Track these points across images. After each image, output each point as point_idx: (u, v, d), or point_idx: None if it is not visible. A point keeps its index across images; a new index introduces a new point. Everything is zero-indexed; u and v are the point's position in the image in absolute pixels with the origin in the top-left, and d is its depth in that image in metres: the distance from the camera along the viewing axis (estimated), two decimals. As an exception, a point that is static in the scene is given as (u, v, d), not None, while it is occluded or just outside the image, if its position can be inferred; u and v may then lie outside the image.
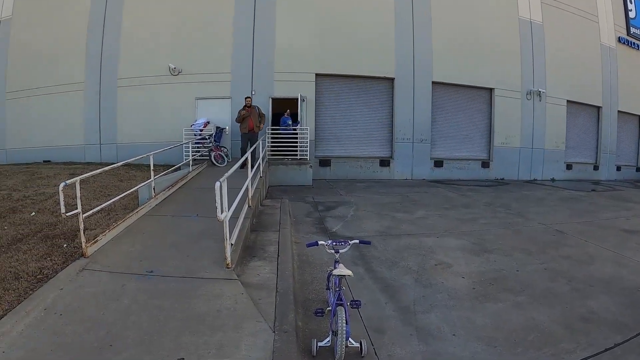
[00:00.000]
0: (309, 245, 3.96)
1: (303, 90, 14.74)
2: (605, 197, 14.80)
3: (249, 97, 12.50)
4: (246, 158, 7.52)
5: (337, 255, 3.82)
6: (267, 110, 14.62)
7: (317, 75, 15.11)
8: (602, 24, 22.87)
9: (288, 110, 14.64)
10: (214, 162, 12.47)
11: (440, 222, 8.60)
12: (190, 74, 14.85)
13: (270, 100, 14.87)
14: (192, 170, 11.10)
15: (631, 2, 24.82)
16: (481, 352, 3.63)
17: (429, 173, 16.39)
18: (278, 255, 5.48)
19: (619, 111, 23.93)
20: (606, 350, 3.70)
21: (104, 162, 14.02)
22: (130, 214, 6.53)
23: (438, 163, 16.66)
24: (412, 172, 16.11)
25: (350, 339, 3.40)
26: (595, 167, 22.82)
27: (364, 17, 15.47)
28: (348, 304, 3.61)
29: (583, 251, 6.90)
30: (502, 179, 17.92)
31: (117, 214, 7.02)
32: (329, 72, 15.27)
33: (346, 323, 3.28)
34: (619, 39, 23.85)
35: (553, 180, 19.42)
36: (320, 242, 3.88)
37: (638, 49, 25.13)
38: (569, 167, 21.07)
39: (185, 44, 14.91)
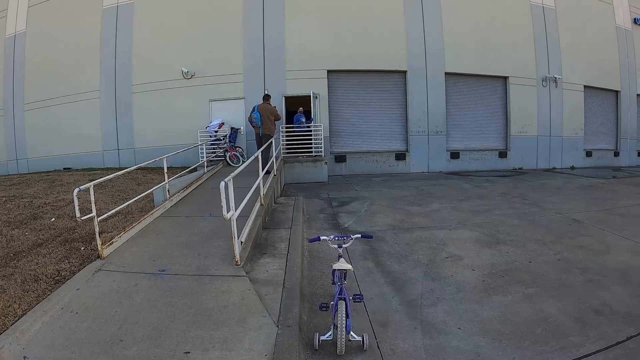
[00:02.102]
0: (311, 240, 4.02)
1: (315, 87, 14.83)
2: (626, 184, 14.51)
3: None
4: (256, 157, 7.61)
5: (340, 250, 3.90)
6: (281, 108, 14.72)
7: (328, 71, 15.16)
8: (616, 5, 22.26)
9: (301, 108, 14.80)
10: (229, 162, 12.68)
11: (453, 214, 8.56)
12: (203, 77, 15.09)
13: (283, 98, 14.98)
14: (208, 171, 11.32)
15: (647, -19, 24.22)
16: (485, 345, 3.60)
17: (445, 165, 16.33)
18: (288, 252, 5.56)
19: (638, 95, 23.40)
20: (618, 343, 3.61)
21: (122, 166, 14.28)
22: (145, 216, 6.72)
23: (454, 155, 16.58)
24: (429, 165, 16.09)
25: (352, 332, 3.48)
26: (616, 154, 22.32)
27: (373, 11, 15.42)
28: (351, 298, 3.70)
29: (600, 240, 6.76)
30: (520, 168, 17.75)
31: (133, 217, 7.22)
32: (341, 68, 15.30)
33: (347, 317, 3.37)
34: (635, 20, 23.25)
35: (572, 168, 19.13)
36: (322, 238, 3.93)
37: (656, 28, 24.54)
38: (588, 154, 20.67)
39: (196, 48, 15.13)
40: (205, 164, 11.53)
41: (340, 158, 15.22)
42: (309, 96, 14.56)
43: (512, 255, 5.93)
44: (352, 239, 3.92)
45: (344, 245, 3.91)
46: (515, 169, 17.64)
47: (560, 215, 8.57)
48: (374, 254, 6.04)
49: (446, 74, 16.33)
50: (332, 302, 3.64)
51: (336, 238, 3.93)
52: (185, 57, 15.08)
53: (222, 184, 4.53)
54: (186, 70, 14.95)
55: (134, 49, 15.44)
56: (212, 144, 13.64)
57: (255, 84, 14.85)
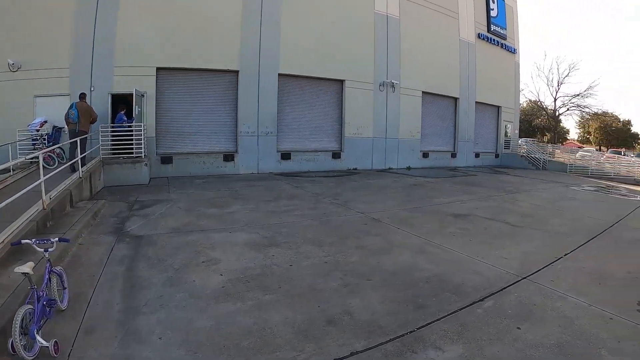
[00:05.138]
0: (13, 244, 4.15)
1: (144, 84, 14.58)
2: (452, 183, 16.44)
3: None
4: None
5: (46, 254, 3.96)
6: (107, 107, 14.32)
7: (158, 69, 14.98)
8: (462, 21, 25.20)
9: (124, 107, 14.21)
10: (45, 164, 12.40)
11: (249, 215, 8.90)
12: (30, 70, 14.05)
13: (110, 96, 14.50)
14: (15, 173, 10.88)
15: (494, 2, 27.73)
16: (176, 358, 3.55)
17: (276, 166, 16.95)
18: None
19: (476, 102, 26.56)
20: (334, 361, 3.56)
21: None
22: None
23: (285, 156, 17.26)
24: (259, 166, 16.59)
25: (39, 338, 3.44)
26: (453, 155, 25.10)
27: (211, 10, 15.61)
28: (45, 302, 3.70)
29: (387, 240, 7.26)
30: (355, 169, 19.08)
31: None
32: (171, 65, 15.22)
33: (36, 322, 3.44)
34: (479, 35, 26.50)
35: (409, 168, 21.11)
36: (24, 241, 4.02)
37: (497, 44, 28.14)
38: (425, 155, 22.98)
39: (24, 37, 14.07)
40: (11, 166, 10.70)
41: (166, 159, 15.05)
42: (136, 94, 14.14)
43: (277, 258, 6.07)
44: (52, 242, 4.01)
45: (50, 250, 3.99)
46: (350, 169, 18.92)
47: (362, 214, 9.27)
48: (132, 259, 6.07)
49: (280, 75, 17.01)
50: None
51: (37, 242, 4.00)
52: (12, 48, 13.96)
53: None
54: (12, 62, 13.83)
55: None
56: (33, 144, 12.92)
57: (82, 80, 14.22)
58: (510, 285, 5.51)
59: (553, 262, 6.66)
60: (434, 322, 4.30)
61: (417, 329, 4.12)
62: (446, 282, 5.48)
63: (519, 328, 4.23)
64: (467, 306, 4.74)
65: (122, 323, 4.14)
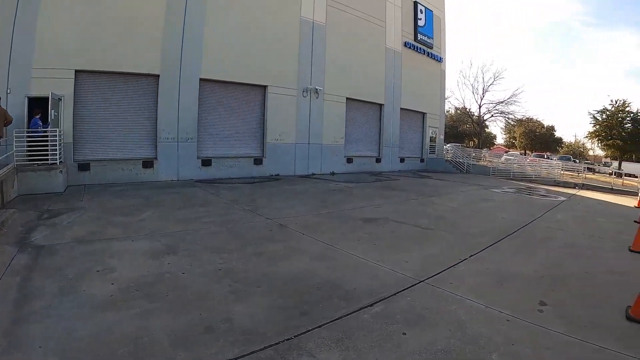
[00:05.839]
0: None
1: (63, 88, 14.34)
2: (373, 188, 17.21)
3: None
4: None
5: None
6: (24, 110, 13.88)
7: (77, 72, 14.71)
8: (389, 29, 26.47)
9: (39, 111, 13.86)
10: None
11: (156, 224, 8.96)
12: None
13: (27, 99, 14.02)
14: None
15: (421, 12, 29.32)
16: None
17: (197, 173, 17.08)
18: None
19: (402, 108, 27.90)
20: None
21: None
22: None
23: (206, 162, 17.46)
24: (179, 173, 16.63)
25: None
26: (378, 160, 26.26)
27: (133, 12, 15.51)
28: None
29: (289, 246, 7.35)
30: (277, 175, 19.62)
31: None
32: (91, 68, 14.99)
33: None
34: (405, 44, 27.88)
35: (333, 174, 21.99)
36: None
37: (423, 53, 29.67)
38: (349, 160, 23.93)
39: None
40: None
41: (83, 166, 14.79)
42: (55, 98, 13.91)
43: (172, 266, 6.08)
44: None
45: None
46: (272, 175, 19.44)
47: (271, 221, 9.50)
48: (30, 269, 6.05)
49: (202, 80, 17.20)
50: None
51: None
52: None
53: None
54: None
55: None
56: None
57: (-1, 82, 13.67)
58: (406, 289, 5.56)
59: (456, 264, 6.85)
60: (314, 329, 4.30)
61: (295, 336, 4.13)
62: (339, 287, 5.50)
63: (404, 334, 4.27)
64: (354, 312, 4.76)
65: (7, 333, 4.12)
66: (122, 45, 15.39)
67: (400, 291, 5.46)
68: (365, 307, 4.92)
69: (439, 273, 6.29)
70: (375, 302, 5.05)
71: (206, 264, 6.26)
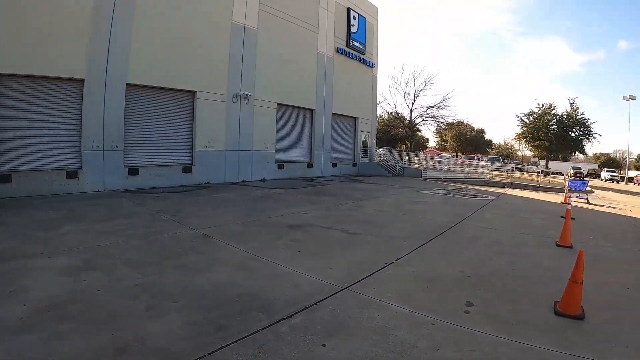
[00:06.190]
0: None
1: None
2: (302, 193, 17.52)
3: None
4: None
5: None
6: None
7: (0, 75, 14.00)
8: (321, 35, 27.08)
9: None
10: None
11: (77, 238, 8.63)
12: None
13: None
14: None
15: (354, 19, 30.19)
16: None
17: (123, 182, 16.67)
18: None
19: (333, 113, 28.60)
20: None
21: None
22: None
23: (133, 171, 17.10)
24: (105, 183, 16.17)
25: None
26: (310, 165, 26.84)
27: (57, 14, 14.97)
28: None
29: (210, 257, 7.25)
30: (207, 182, 19.63)
31: None
32: (12, 72, 14.30)
33: None
34: (338, 49, 28.61)
35: (264, 180, 22.23)
36: None
37: (355, 59, 30.56)
38: (280, 166, 24.30)
39: None
40: None
41: (4, 177, 14.01)
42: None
43: (88, 283, 5.83)
44: None
45: None
46: (202, 183, 19.43)
47: (194, 231, 9.39)
48: None
49: (129, 85, 16.82)
50: None
51: None
52: None
53: None
54: None
55: None
56: None
57: None
58: (328, 297, 5.50)
59: (382, 269, 6.83)
60: (229, 344, 4.18)
61: (209, 354, 4.02)
62: (258, 299, 5.37)
63: (324, 345, 4.21)
64: (272, 324, 4.64)
65: None
66: (45, 48, 14.84)
67: (322, 300, 5.41)
68: (285, 318, 4.82)
69: (364, 279, 6.29)
70: (296, 313, 4.97)
71: (124, 280, 6.04)
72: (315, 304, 5.26)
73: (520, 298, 5.78)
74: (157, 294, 5.49)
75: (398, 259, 7.48)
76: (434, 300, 5.49)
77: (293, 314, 4.93)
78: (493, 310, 5.25)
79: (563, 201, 18.79)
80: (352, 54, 30.78)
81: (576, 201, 18.54)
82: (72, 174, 15.65)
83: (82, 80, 15.85)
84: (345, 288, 5.85)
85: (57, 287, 5.75)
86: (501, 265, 7.50)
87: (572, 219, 10.71)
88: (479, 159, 53.72)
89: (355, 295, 5.63)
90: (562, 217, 11.86)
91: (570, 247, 9.21)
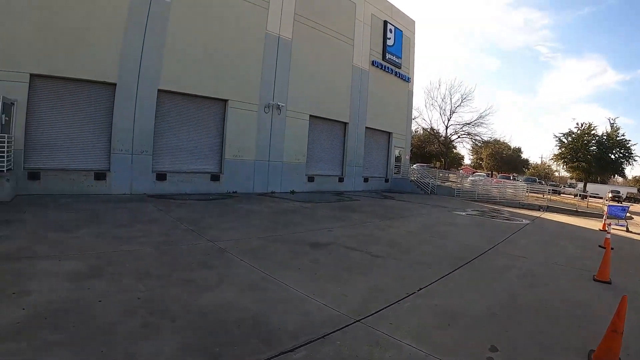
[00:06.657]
0: None
1: (16, 92, 13.86)
2: (330, 209, 17.14)
3: None
4: None
5: None
6: None
7: (32, 75, 14.32)
8: (357, 47, 26.92)
9: None
10: None
11: (91, 241, 8.49)
12: None
13: None
14: None
15: (391, 32, 29.92)
16: None
17: (151, 187, 16.78)
18: None
19: (367, 127, 28.26)
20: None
21: None
22: None
23: (161, 176, 17.19)
24: (132, 186, 16.29)
25: None
26: (341, 179, 26.47)
27: (92, 18, 15.27)
28: None
29: (220, 273, 6.90)
30: (235, 192, 19.50)
31: None
32: (47, 73, 14.60)
33: None
34: (373, 62, 28.35)
35: (293, 192, 21.96)
36: None
37: (391, 72, 30.21)
38: (310, 179, 24.01)
39: None
40: None
41: (34, 175, 14.33)
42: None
43: (90, 292, 5.66)
44: None
45: None
46: (229, 192, 19.29)
47: (211, 243, 9.03)
48: None
49: (160, 91, 16.99)
50: None
51: None
52: None
53: None
54: None
55: None
56: None
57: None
58: (338, 330, 4.97)
59: (401, 300, 6.29)
60: None
61: None
62: (262, 325, 4.94)
63: None
64: (272, 358, 4.21)
65: None
66: (79, 51, 15.11)
67: (330, 333, 4.87)
68: (286, 352, 4.32)
69: (380, 310, 5.74)
70: (299, 347, 4.46)
71: (127, 291, 5.77)
72: (323, 337, 4.76)
73: (552, 343, 5.15)
74: (156, 311, 5.20)
75: (420, 289, 6.92)
76: (455, 341, 4.92)
77: (296, 348, 4.45)
78: (519, 357, 4.68)
79: (601, 228, 17.87)
80: (388, 67, 30.47)
81: (615, 228, 17.62)
82: (100, 175, 15.83)
83: (115, 84, 16.07)
84: (358, 320, 5.33)
85: (59, 292, 5.58)
86: (532, 301, 6.90)
87: (612, 249, 9.93)
88: (514, 179, 52.48)
89: (367, 329, 5.08)
90: (600, 246, 11.10)
91: (609, 282, 8.45)
